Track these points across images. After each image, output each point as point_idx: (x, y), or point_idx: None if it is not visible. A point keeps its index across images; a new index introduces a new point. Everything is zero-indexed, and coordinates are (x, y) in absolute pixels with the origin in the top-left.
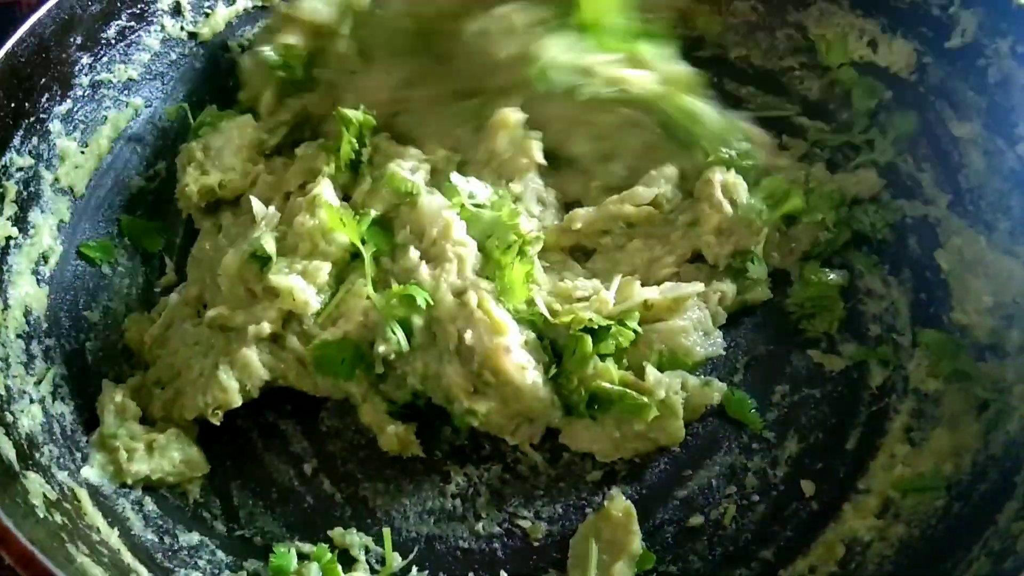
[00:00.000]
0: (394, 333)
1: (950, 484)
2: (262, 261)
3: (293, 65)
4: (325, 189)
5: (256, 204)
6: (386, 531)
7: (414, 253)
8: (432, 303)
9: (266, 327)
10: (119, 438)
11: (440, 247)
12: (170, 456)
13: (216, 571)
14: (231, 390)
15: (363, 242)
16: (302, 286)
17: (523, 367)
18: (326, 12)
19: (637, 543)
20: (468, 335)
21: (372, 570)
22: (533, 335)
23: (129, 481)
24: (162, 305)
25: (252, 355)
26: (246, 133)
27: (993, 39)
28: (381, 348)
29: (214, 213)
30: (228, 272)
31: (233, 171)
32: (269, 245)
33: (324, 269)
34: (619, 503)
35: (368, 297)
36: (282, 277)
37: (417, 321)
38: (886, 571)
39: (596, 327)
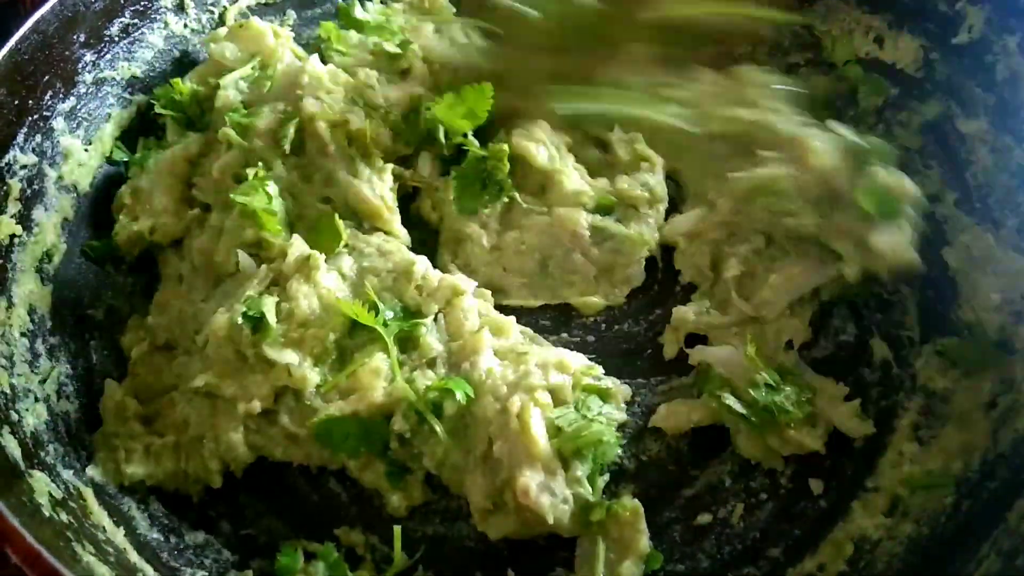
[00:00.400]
0: (427, 422)
1: (959, 482)
2: (253, 323)
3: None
4: (324, 276)
5: (244, 260)
6: (396, 529)
7: (438, 346)
8: (473, 397)
9: (257, 405)
10: (119, 437)
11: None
12: (164, 465)
13: (222, 570)
14: (212, 472)
15: (384, 325)
16: (301, 362)
17: (546, 508)
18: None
19: (645, 542)
20: (498, 446)
21: (378, 569)
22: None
23: (125, 483)
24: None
25: (238, 438)
26: (177, 169)
27: (1001, 35)
28: (398, 426)
29: (162, 255)
30: (217, 336)
31: (166, 213)
32: (270, 313)
33: (325, 339)
34: (627, 502)
35: (394, 380)
36: (278, 350)
37: (449, 409)
38: (895, 569)
39: None
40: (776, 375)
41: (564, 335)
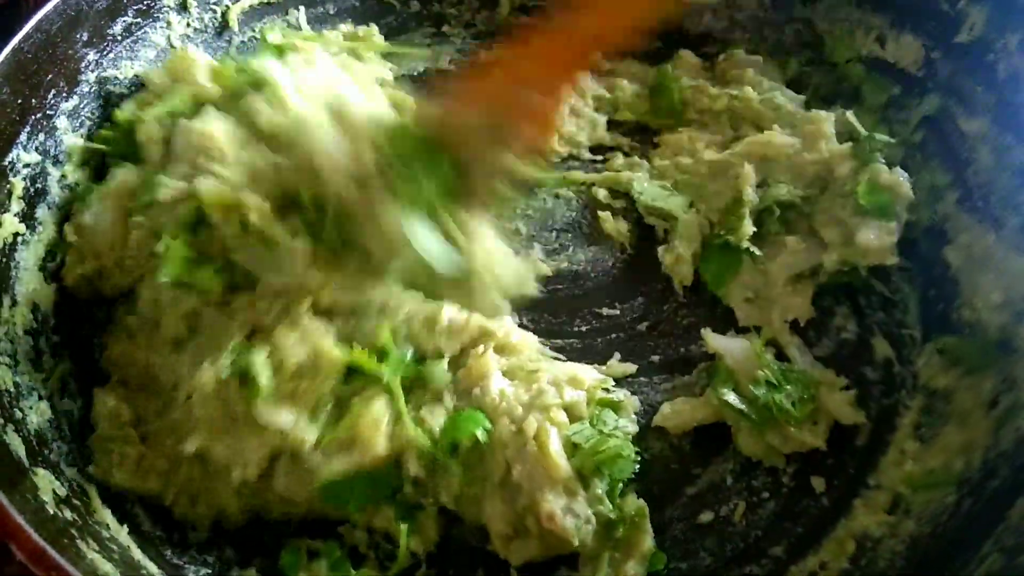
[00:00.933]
0: (442, 460)
1: (961, 480)
2: (242, 375)
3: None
4: (310, 321)
5: (209, 313)
6: (403, 527)
7: (443, 376)
8: (490, 429)
9: (253, 472)
10: (114, 441)
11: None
12: (150, 484)
13: (225, 568)
14: (200, 525)
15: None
16: (296, 420)
17: (572, 531)
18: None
19: (649, 542)
20: (517, 470)
21: (382, 567)
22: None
23: (112, 488)
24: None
25: (232, 505)
26: (118, 206)
27: (1002, 34)
28: (413, 470)
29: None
30: (203, 393)
31: (111, 253)
32: (261, 370)
33: (320, 390)
34: (631, 501)
35: (399, 422)
36: (271, 410)
37: (465, 443)
38: (897, 567)
39: None
40: (779, 373)
41: (567, 339)
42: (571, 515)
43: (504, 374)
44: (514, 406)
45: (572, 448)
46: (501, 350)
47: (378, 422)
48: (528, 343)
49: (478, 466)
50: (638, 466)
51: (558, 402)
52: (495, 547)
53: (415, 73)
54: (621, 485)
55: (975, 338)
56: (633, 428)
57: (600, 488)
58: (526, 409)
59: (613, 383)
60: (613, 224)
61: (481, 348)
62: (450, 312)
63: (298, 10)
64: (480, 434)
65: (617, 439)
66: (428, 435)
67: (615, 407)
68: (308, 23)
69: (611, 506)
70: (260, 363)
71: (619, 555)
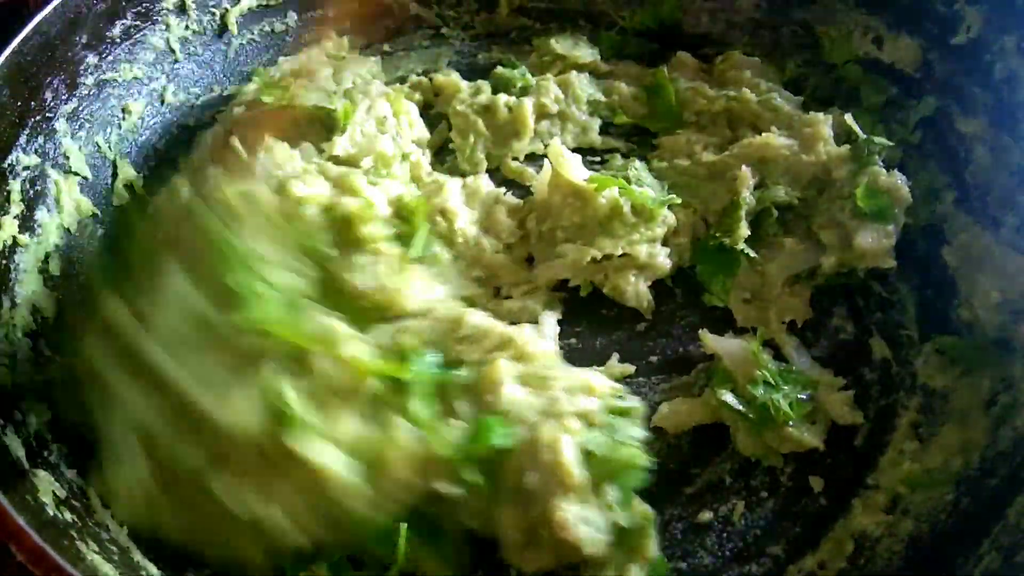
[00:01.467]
0: (471, 478)
1: (959, 480)
2: (275, 411)
3: None
4: (350, 344)
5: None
6: (403, 526)
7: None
8: (516, 433)
9: (280, 514)
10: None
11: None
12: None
13: (227, 570)
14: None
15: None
16: (335, 460)
17: (585, 540)
18: None
19: (653, 547)
20: (531, 478)
21: (382, 567)
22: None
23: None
24: None
25: (254, 554)
26: None
27: (999, 35)
28: (452, 490)
29: None
30: (238, 435)
31: None
32: (294, 403)
33: (352, 419)
34: (638, 507)
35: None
36: (308, 445)
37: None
38: (896, 567)
39: None
40: (777, 373)
41: (565, 339)
42: (584, 523)
43: (517, 381)
44: (528, 413)
45: (586, 456)
46: (519, 358)
47: (399, 447)
48: (547, 352)
49: (494, 476)
50: None
51: (572, 410)
52: (507, 556)
53: (414, 75)
54: (634, 498)
55: (973, 338)
56: (642, 435)
57: (612, 496)
58: (540, 416)
59: (625, 390)
60: None
61: (496, 355)
62: (474, 319)
63: (295, 13)
64: (510, 443)
65: (630, 447)
66: (455, 450)
67: (625, 414)
68: (307, 25)
69: (624, 514)
70: (293, 398)
71: (624, 560)
